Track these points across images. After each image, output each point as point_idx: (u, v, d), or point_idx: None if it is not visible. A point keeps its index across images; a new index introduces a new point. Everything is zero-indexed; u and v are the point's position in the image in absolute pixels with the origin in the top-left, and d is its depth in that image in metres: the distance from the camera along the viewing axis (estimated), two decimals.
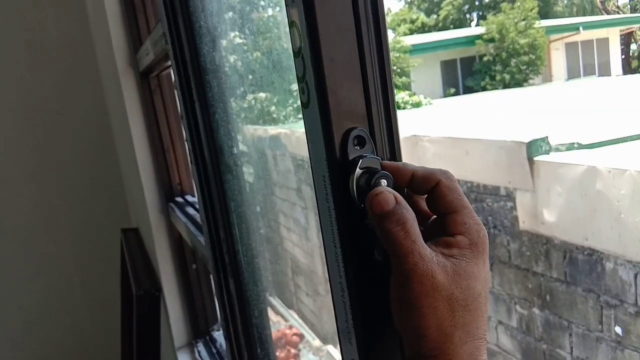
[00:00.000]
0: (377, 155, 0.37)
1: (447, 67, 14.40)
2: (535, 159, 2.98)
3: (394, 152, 0.38)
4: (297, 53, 0.38)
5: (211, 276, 1.23)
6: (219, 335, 1.49)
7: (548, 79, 14.02)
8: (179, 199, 1.40)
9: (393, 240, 0.32)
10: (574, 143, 3.12)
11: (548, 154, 2.99)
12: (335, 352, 3.24)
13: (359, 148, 0.37)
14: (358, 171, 0.36)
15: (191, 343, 1.53)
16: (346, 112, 0.37)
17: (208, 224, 0.84)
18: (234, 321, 0.81)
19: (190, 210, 1.24)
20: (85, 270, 2.58)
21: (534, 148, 2.98)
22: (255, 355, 0.80)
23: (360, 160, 0.36)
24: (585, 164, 2.71)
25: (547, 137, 3.02)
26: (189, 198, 1.39)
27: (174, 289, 1.54)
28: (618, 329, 2.57)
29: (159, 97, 1.36)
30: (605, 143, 3.23)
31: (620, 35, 14.55)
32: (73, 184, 2.49)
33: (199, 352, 1.46)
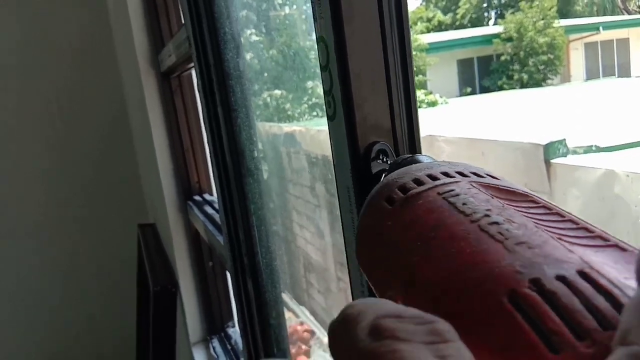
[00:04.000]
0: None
1: (464, 66, 14.29)
2: (552, 161, 2.96)
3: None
4: (324, 67, 0.39)
5: (228, 275, 1.25)
6: (234, 332, 1.51)
7: (567, 79, 13.85)
8: (197, 198, 1.42)
9: None
10: (591, 146, 3.08)
11: (565, 156, 2.97)
12: None
13: (381, 162, 0.38)
14: None
15: (206, 339, 1.55)
16: (371, 126, 0.38)
17: (227, 225, 0.85)
18: (252, 322, 0.82)
19: (209, 210, 1.26)
20: (102, 266, 2.63)
21: (551, 150, 2.96)
22: (272, 355, 0.82)
23: (384, 175, 0.37)
24: (603, 168, 2.68)
25: (564, 139, 2.99)
26: (207, 197, 1.41)
27: (190, 285, 1.56)
28: None
29: (180, 97, 1.38)
30: (624, 146, 3.20)
31: None
32: (90, 180, 2.53)
33: (213, 348, 1.49)
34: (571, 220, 0.20)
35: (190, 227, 1.44)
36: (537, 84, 13.21)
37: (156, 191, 1.69)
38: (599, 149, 3.13)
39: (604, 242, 0.18)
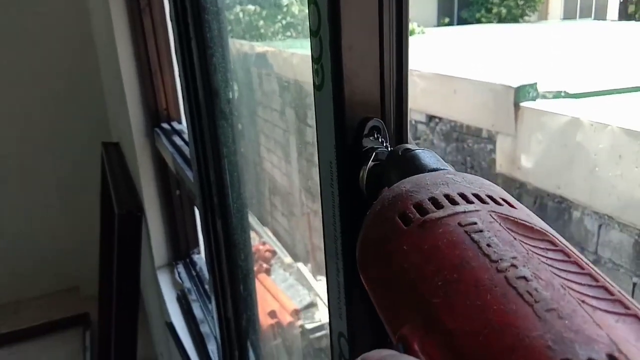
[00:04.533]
0: (387, 144, 0.37)
1: None
2: (522, 104, 2.99)
3: (401, 141, 0.38)
4: (314, 33, 0.37)
5: (196, 209, 1.24)
6: (199, 258, 1.54)
7: (544, 16, 13.71)
8: (166, 126, 1.38)
9: None
10: (561, 91, 3.12)
11: (535, 100, 3.00)
12: (305, 269, 3.37)
13: (372, 139, 0.37)
14: (371, 163, 0.36)
15: (171, 264, 1.58)
16: (360, 101, 0.36)
17: (198, 164, 0.84)
18: (219, 262, 0.83)
19: (177, 140, 1.23)
20: (65, 183, 2.57)
21: (521, 93, 2.98)
22: (239, 294, 0.84)
23: (374, 153, 0.36)
24: (569, 115, 2.74)
25: (535, 83, 3.01)
26: (176, 125, 1.37)
27: (156, 211, 1.56)
28: None
29: (149, 17, 1.30)
30: (592, 94, 3.25)
31: None
32: (52, 93, 2.42)
33: (179, 273, 1.51)
34: (590, 275, 0.20)
35: (158, 155, 1.41)
36: (515, 19, 13.04)
37: (121, 113, 1.63)
38: (568, 95, 3.17)
39: (624, 310, 0.18)
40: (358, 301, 0.40)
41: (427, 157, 0.31)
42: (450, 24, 13.49)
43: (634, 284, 2.31)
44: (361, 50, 0.35)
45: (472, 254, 0.21)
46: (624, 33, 7.70)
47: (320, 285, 2.85)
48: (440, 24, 13.47)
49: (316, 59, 0.37)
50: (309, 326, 2.32)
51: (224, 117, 0.74)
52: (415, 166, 0.31)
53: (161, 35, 1.33)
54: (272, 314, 2.01)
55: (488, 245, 0.21)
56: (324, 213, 0.41)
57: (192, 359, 1.15)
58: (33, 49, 2.29)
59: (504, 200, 0.25)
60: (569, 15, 13.44)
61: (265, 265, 3.66)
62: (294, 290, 2.93)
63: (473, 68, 4.62)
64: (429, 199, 0.24)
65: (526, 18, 13.22)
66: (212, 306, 0.91)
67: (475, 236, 0.22)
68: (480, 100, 3.25)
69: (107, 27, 1.45)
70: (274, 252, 3.78)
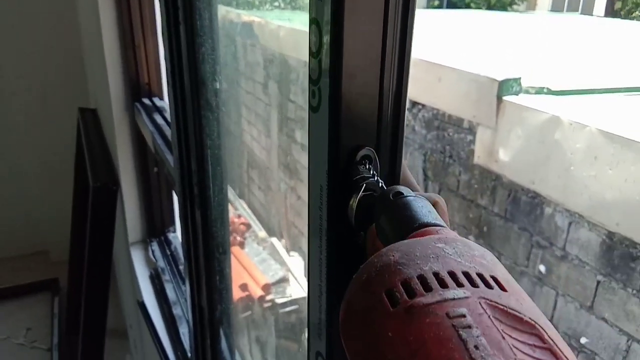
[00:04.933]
0: (377, 176, 0.37)
1: None
2: (504, 98, 3.01)
3: (394, 173, 0.38)
4: (314, 54, 0.36)
5: (174, 192, 1.22)
6: (174, 237, 1.52)
7: (532, 7, 13.73)
8: (147, 101, 1.35)
9: None
10: (543, 88, 3.15)
11: (517, 95, 3.02)
12: (279, 244, 3.39)
13: (363, 168, 0.36)
14: (361, 193, 0.35)
15: (145, 241, 1.56)
16: (357, 129, 0.36)
17: (179, 150, 0.82)
18: (196, 251, 0.82)
19: (158, 119, 1.20)
20: (39, 145, 2.51)
21: (505, 87, 3.00)
22: (215, 285, 0.83)
23: (364, 183, 0.35)
24: (550, 112, 2.77)
25: (519, 78, 3.03)
26: (157, 102, 1.34)
27: (133, 186, 1.53)
28: (542, 268, 2.80)
29: None
30: (574, 92, 3.29)
31: None
32: (28, 49, 2.34)
33: (152, 251, 1.50)
34: None
35: (137, 130, 1.38)
36: (504, 7, 13.03)
37: (101, 82, 1.59)
38: (550, 92, 3.20)
39: None
40: (338, 323, 0.40)
41: (419, 207, 0.31)
42: (439, 7, 13.42)
43: (598, 282, 2.39)
44: (362, 78, 0.34)
45: (459, 357, 0.20)
46: (609, 31, 7.78)
47: (292, 260, 2.87)
48: (429, 6, 13.38)
49: (314, 81, 0.36)
50: (279, 300, 2.34)
51: (209, 109, 0.72)
52: (406, 216, 0.30)
53: (146, 6, 1.29)
54: (244, 287, 2.02)
55: (476, 347, 0.20)
56: (310, 235, 0.41)
57: (163, 340, 1.15)
58: (13, 5, 2.20)
59: (494, 279, 0.24)
60: (556, 7, 13.49)
61: (239, 239, 3.66)
62: (266, 265, 2.94)
63: (459, 56, 4.61)
64: (417, 277, 0.24)
65: (515, 7, 13.23)
66: (186, 292, 0.91)
67: (463, 333, 0.21)
68: (464, 91, 3.26)
69: None
70: (248, 225, 3.78)
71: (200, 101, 0.73)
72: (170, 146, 1.01)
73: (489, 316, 0.22)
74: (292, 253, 3.08)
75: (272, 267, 2.88)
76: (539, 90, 3.18)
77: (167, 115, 1.20)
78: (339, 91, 0.34)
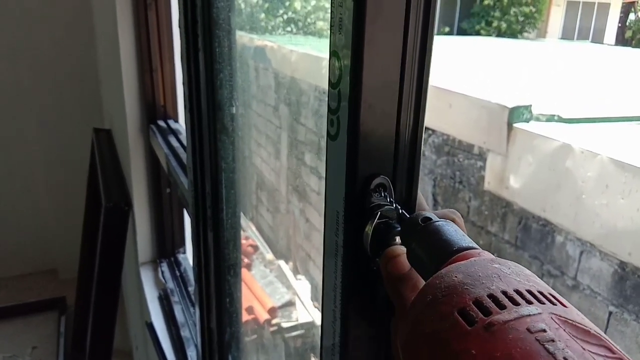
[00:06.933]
0: (395, 204, 0.37)
1: (447, 3, 13.95)
2: (515, 125, 3.01)
3: (410, 199, 0.39)
4: (334, 85, 0.37)
5: (186, 213, 1.23)
6: (184, 258, 1.53)
7: (542, 34, 13.83)
8: (162, 123, 1.37)
9: (404, 303, 0.33)
10: (554, 115, 3.15)
11: (528, 122, 3.03)
12: (286, 267, 3.37)
13: (379, 195, 0.37)
14: (377, 220, 0.36)
15: (155, 261, 1.56)
16: (373, 157, 0.36)
17: (194, 172, 0.83)
18: (207, 273, 0.83)
19: (173, 141, 1.22)
20: (52, 164, 2.54)
21: (515, 114, 3.01)
22: (224, 308, 0.83)
23: (379, 211, 0.36)
24: (561, 140, 2.76)
25: (530, 105, 3.04)
26: (172, 124, 1.36)
27: (145, 206, 1.55)
28: None
29: (154, 13, 1.28)
30: (585, 120, 3.29)
31: (622, 3, 14.31)
32: (45, 70, 2.39)
33: (162, 272, 1.50)
34: None
35: (151, 151, 1.40)
36: (514, 34, 13.13)
37: (117, 103, 1.61)
38: (561, 119, 3.20)
39: None
40: (351, 349, 0.40)
41: (452, 231, 0.31)
42: (450, 33, 13.56)
43: (610, 313, 2.35)
44: (380, 109, 0.35)
45: None
46: (620, 59, 7.80)
47: (299, 284, 2.85)
48: (440, 32, 13.53)
49: (333, 110, 0.37)
50: (285, 324, 2.32)
51: (225, 132, 0.74)
52: (441, 241, 0.30)
53: (165, 31, 1.32)
54: (250, 310, 2.01)
55: (565, 359, 0.20)
56: (325, 260, 0.41)
57: None
58: (32, 26, 2.26)
59: (553, 296, 0.24)
60: (567, 35, 13.58)
61: (246, 260, 3.65)
62: (273, 288, 2.92)
63: (470, 83, 4.64)
64: (488, 296, 0.23)
65: (525, 34, 13.33)
66: (196, 314, 0.91)
67: (550, 347, 0.21)
68: (475, 117, 3.28)
69: (111, 17, 1.43)
70: (256, 247, 3.77)
71: (217, 125, 0.74)
72: (184, 168, 1.02)
73: (564, 330, 0.22)
74: (299, 276, 3.06)
75: (279, 290, 2.86)
76: (550, 118, 3.19)
77: (182, 137, 1.21)
78: (357, 121, 0.35)
